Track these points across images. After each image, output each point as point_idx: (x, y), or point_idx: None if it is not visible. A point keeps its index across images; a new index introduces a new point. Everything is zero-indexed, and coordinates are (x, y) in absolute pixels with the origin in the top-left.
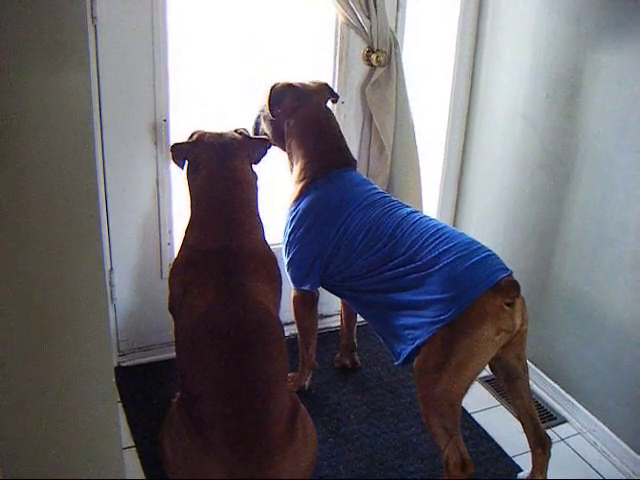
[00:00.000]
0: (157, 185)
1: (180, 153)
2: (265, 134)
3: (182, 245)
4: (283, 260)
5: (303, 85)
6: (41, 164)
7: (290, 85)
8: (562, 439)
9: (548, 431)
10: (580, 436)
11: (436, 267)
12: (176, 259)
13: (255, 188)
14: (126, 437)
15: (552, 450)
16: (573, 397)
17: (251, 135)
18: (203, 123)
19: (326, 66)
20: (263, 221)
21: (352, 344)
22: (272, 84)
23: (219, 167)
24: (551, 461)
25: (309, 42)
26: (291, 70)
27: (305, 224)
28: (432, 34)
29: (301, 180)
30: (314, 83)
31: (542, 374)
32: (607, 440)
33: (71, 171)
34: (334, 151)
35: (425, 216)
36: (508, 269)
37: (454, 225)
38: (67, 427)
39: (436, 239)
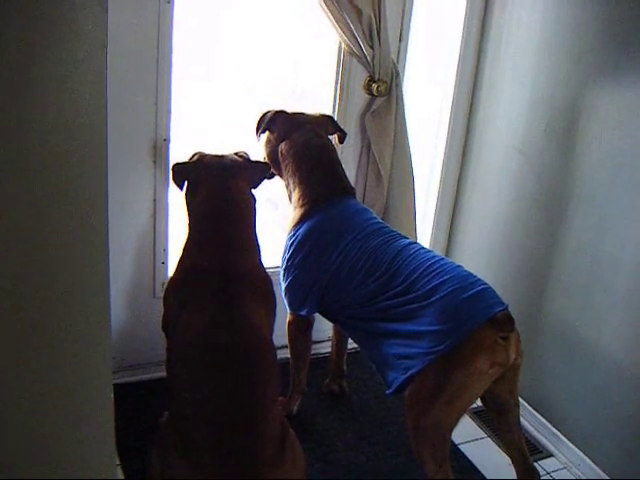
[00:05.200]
0: (154, 204)
1: (180, 173)
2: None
3: (178, 264)
4: (280, 284)
5: (298, 113)
6: (52, 169)
7: (282, 112)
8: (548, 473)
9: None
10: (566, 470)
11: (432, 299)
12: (172, 278)
13: (253, 210)
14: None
15: None
16: (559, 431)
17: (251, 158)
18: (203, 144)
19: (327, 94)
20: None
21: (341, 371)
22: (265, 111)
23: (218, 188)
24: None
25: (311, 69)
26: (292, 95)
27: (304, 250)
28: (433, 66)
29: (301, 206)
30: (315, 113)
31: (529, 407)
32: (592, 474)
33: (81, 182)
34: (332, 178)
35: (423, 248)
36: (504, 303)
37: (447, 253)
38: (62, 443)
39: (433, 271)
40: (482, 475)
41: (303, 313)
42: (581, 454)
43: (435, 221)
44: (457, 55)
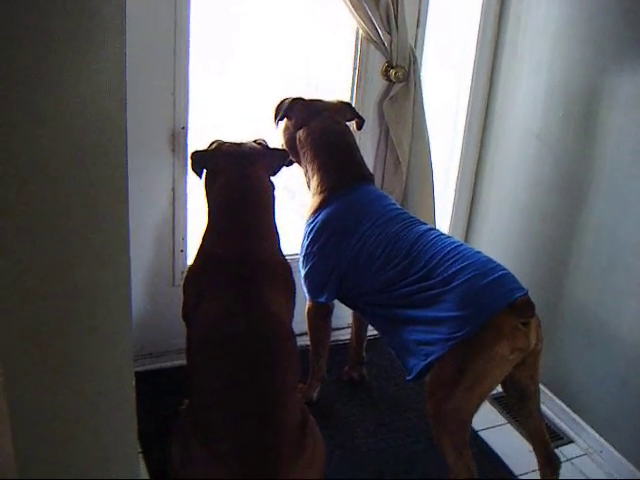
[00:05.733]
0: (173, 192)
1: (199, 161)
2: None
3: (198, 252)
4: (300, 272)
5: (316, 100)
6: (72, 158)
7: (300, 99)
8: (568, 459)
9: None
10: (587, 457)
11: (452, 285)
12: (192, 266)
13: (272, 198)
14: None
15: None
16: (580, 417)
17: (269, 146)
18: (221, 132)
19: (345, 80)
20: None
21: (361, 357)
22: (283, 98)
23: (237, 176)
24: None
25: (329, 56)
26: (310, 82)
27: (323, 237)
28: (450, 52)
29: (320, 193)
30: (333, 100)
31: (549, 393)
32: (614, 462)
33: (101, 171)
34: (350, 165)
35: (442, 234)
36: (524, 288)
37: (466, 239)
38: (85, 428)
39: (452, 257)
40: (502, 462)
41: (322, 300)
42: (602, 440)
43: (454, 207)
44: (475, 41)
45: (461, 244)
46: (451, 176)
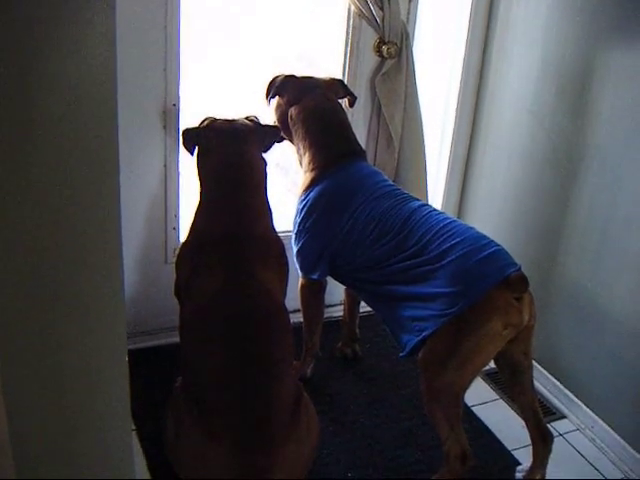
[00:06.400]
0: (165, 169)
1: (191, 138)
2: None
3: (190, 230)
4: (292, 248)
5: (308, 77)
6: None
7: (292, 76)
8: (561, 434)
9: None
10: (579, 432)
11: (445, 261)
12: (184, 243)
13: (264, 174)
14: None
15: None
16: (572, 393)
17: (261, 122)
18: (213, 109)
19: (337, 57)
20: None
21: (354, 334)
22: (275, 75)
23: (229, 153)
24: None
25: (321, 32)
26: (301, 58)
27: (315, 214)
28: (443, 27)
29: (312, 170)
30: (325, 77)
31: (542, 369)
32: (605, 437)
33: (92, 149)
34: (342, 141)
35: (435, 210)
36: (517, 264)
37: (459, 215)
38: (78, 408)
39: (446, 233)
40: (495, 436)
41: (315, 277)
42: (594, 416)
43: (447, 183)
44: (468, 15)
45: (454, 220)
46: (444, 151)
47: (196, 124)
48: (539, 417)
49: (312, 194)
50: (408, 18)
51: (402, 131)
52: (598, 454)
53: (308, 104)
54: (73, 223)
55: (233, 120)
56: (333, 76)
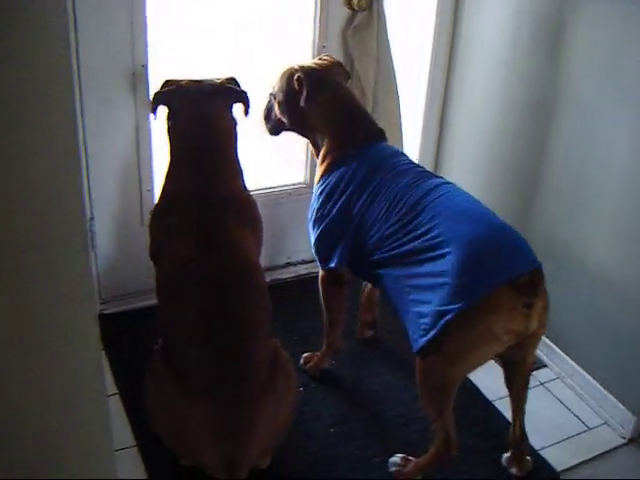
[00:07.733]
0: (136, 131)
1: (158, 101)
2: (279, 120)
3: (161, 192)
4: (309, 237)
5: (317, 67)
6: (15, 99)
7: (305, 71)
8: (541, 383)
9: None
10: (559, 380)
11: (456, 245)
12: (155, 206)
13: (234, 134)
14: (109, 384)
15: (531, 394)
16: (552, 342)
17: (238, 87)
18: (183, 69)
19: (307, 10)
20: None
21: (374, 317)
22: (286, 71)
23: (197, 114)
24: (529, 405)
25: None
26: (271, 15)
27: (332, 200)
28: None
29: (329, 157)
30: (326, 61)
31: None
32: (585, 384)
33: (49, 111)
34: (362, 126)
35: (457, 188)
36: (536, 261)
37: (435, 168)
38: (50, 376)
39: (460, 215)
40: (485, 397)
41: (332, 265)
42: (574, 364)
43: (423, 134)
44: None
45: (475, 202)
46: (419, 104)
47: (159, 87)
48: (521, 425)
49: (330, 180)
50: None
51: (375, 85)
52: (578, 401)
53: (326, 98)
54: (35, 189)
55: (201, 80)
56: (331, 58)
